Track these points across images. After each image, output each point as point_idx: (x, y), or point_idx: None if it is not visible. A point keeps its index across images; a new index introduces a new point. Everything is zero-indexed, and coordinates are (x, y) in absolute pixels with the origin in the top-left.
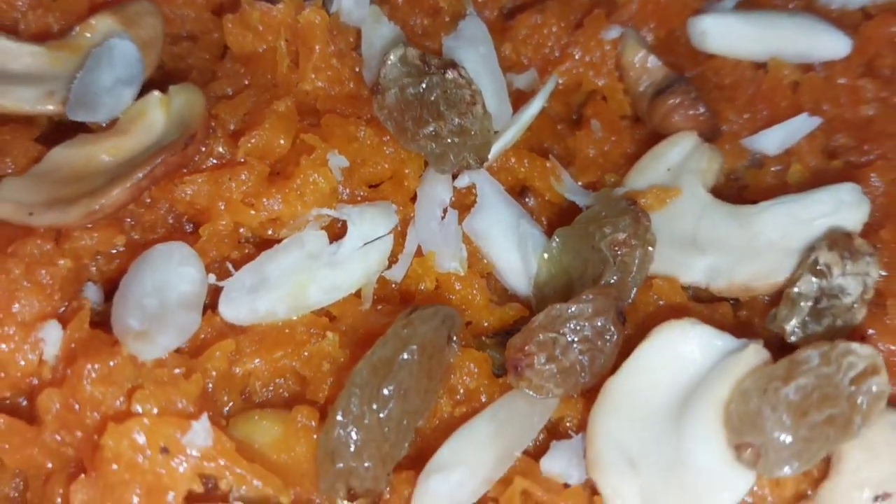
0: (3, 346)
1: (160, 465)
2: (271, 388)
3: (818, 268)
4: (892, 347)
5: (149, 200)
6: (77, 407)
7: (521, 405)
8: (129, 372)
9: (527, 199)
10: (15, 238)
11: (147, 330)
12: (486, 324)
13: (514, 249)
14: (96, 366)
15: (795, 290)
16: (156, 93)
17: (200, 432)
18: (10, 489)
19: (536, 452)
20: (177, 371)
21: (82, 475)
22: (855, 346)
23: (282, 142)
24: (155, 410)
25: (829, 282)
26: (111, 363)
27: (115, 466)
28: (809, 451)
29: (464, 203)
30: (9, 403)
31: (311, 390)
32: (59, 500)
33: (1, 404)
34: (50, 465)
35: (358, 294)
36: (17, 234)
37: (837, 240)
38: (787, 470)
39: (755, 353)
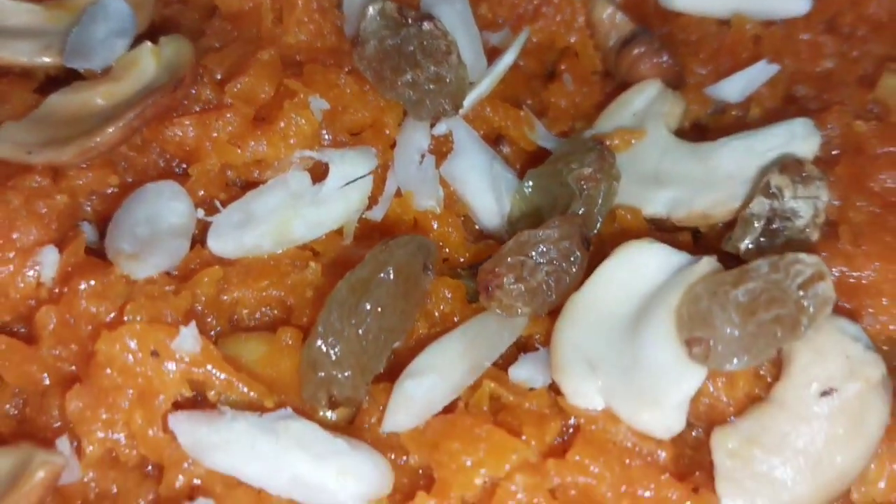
0: (4, 269)
1: (150, 369)
2: (257, 316)
3: (770, 190)
4: (844, 269)
5: (140, 143)
6: (72, 321)
7: (491, 323)
8: (121, 289)
9: (501, 147)
10: (14, 175)
11: (139, 252)
12: (461, 259)
13: (488, 191)
14: (91, 282)
15: (749, 210)
16: (147, 43)
17: (189, 338)
18: (10, 406)
19: (505, 365)
20: (167, 288)
21: (77, 384)
22: (802, 255)
23: (266, 89)
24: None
25: (780, 203)
26: (105, 281)
27: (108, 371)
28: (757, 347)
29: (441, 151)
30: (8, 330)
31: (296, 316)
32: (55, 412)
33: (1, 328)
34: (47, 381)
35: (340, 231)
36: (16, 171)
37: (789, 165)
38: (735, 362)
39: (707, 264)
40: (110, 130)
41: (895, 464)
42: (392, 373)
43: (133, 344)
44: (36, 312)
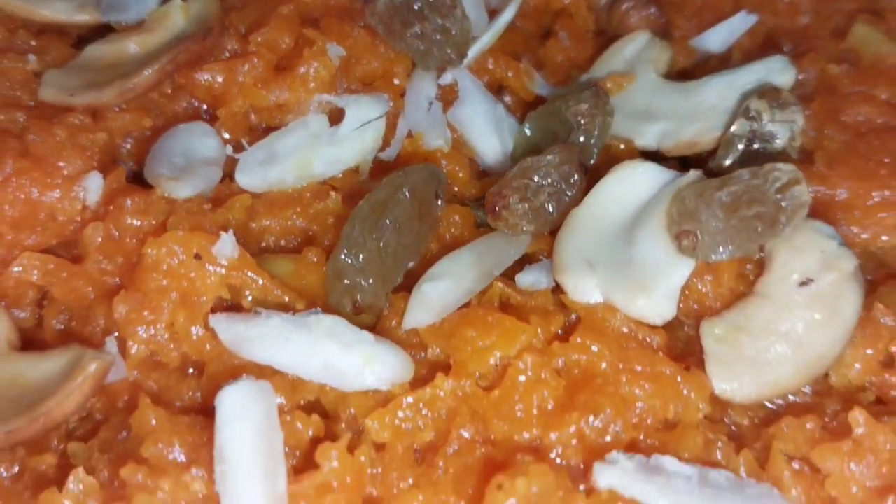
0: (52, 194)
1: (193, 271)
2: (283, 244)
3: (750, 113)
4: (819, 188)
5: (171, 91)
6: (117, 234)
7: (499, 241)
8: (163, 206)
9: (503, 97)
10: (59, 114)
11: (178, 175)
12: (469, 195)
13: (492, 133)
14: (135, 198)
15: (731, 131)
16: (177, 0)
17: (228, 243)
18: (56, 322)
19: (512, 276)
20: (205, 206)
21: (123, 291)
22: (779, 164)
23: (286, 40)
24: None
25: (759, 126)
26: (147, 199)
27: (154, 275)
28: (740, 238)
29: (448, 100)
30: (55, 254)
31: (318, 241)
32: (101, 320)
33: (48, 252)
34: (92, 296)
35: (356, 170)
36: (60, 111)
37: (766, 92)
38: (720, 251)
39: (694, 175)
40: (146, 73)
41: (868, 349)
42: (409, 286)
43: (177, 248)
44: (81, 235)
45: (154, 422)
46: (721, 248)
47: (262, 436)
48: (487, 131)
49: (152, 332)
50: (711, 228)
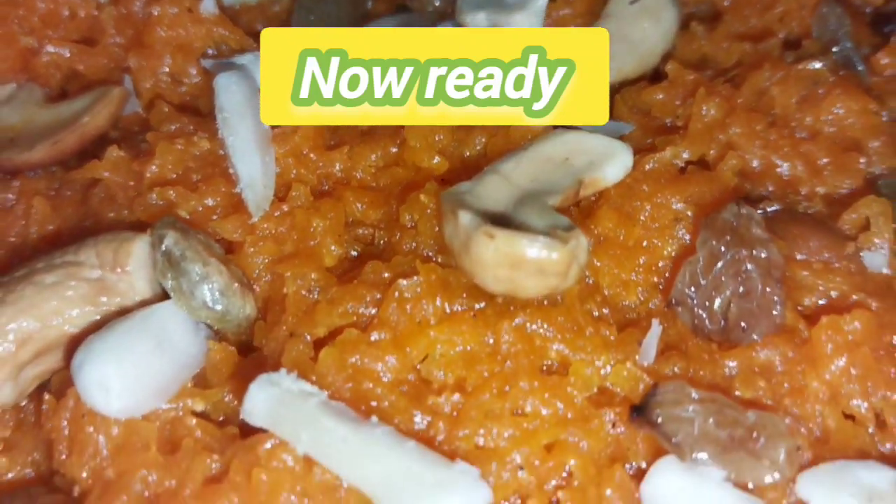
0: None
1: (188, 22)
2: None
3: None
4: None
5: None
6: (125, 11)
7: None
8: None
9: None
10: None
11: None
12: None
13: None
14: None
15: None
16: None
17: (210, 1)
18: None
19: None
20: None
21: (134, 49)
22: None
23: None
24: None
25: None
26: None
27: (157, 29)
28: None
29: None
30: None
31: None
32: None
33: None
34: (110, 66)
35: None
36: None
37: None
38: None
39: None
40: None
41: (684, 51)
42: None
43: (174, 5)
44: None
45: (166, 109)
46: None
47: (248, 98)
48: None
49: (158, 75)
50: None
